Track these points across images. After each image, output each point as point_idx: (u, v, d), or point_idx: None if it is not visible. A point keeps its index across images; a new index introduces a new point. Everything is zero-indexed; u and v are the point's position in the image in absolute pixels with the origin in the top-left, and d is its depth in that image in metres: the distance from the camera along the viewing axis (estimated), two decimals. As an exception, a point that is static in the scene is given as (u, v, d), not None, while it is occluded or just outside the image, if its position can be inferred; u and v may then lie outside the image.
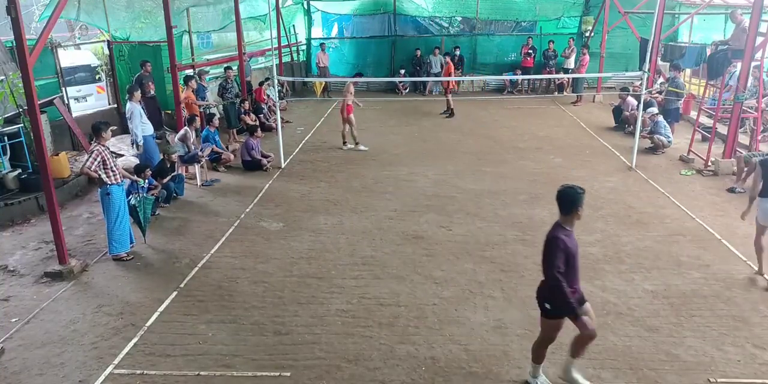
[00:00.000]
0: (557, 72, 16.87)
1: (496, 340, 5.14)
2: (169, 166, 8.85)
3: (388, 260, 6.72)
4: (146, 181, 7.88)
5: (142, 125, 9.20)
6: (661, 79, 13.97)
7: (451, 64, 14.91)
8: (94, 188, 8.48)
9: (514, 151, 11.37)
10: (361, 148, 11.62)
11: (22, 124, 8.92)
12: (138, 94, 9.35)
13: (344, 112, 11.47)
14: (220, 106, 12.75)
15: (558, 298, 4.11)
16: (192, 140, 9.88)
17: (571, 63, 16.75)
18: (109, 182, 6.59)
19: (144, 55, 12.43)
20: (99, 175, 6.52)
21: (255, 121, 12.65)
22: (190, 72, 12.48)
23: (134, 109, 9.13)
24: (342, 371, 4.74)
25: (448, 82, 15.08)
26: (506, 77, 17.62)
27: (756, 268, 6.31)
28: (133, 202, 7.16)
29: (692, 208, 8.19)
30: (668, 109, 11.96)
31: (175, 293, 6.03)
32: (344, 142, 11.81)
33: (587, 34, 17.95)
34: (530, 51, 17.54)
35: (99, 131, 6.63)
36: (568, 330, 5.25)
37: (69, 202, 8.86)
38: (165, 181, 8.57)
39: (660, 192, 8.89)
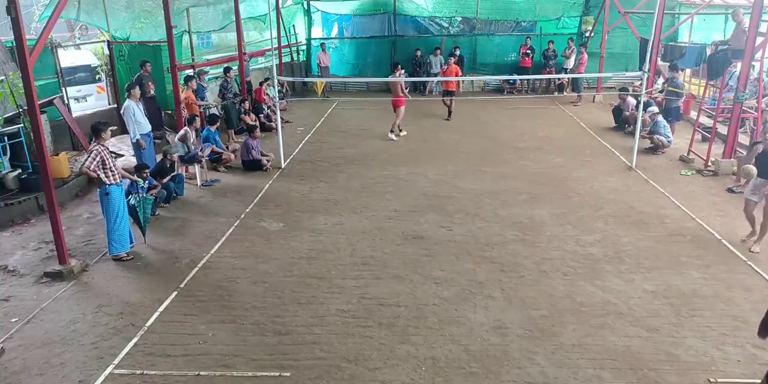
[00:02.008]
0: (557, 72, 16.88)
1: (496, 340, 5.14)
2: (168, 166, 8.85)
3: (388, 260, 6.72)
4: (146, 181, 7.88)
5: (135, 124, 9.21)
6: (661, 79, 13.97)
7: (455, 66, 14.34)
8: (94, 188, 8.48)
9: (514, 151, 11.38)
10: (392, 137, 12.41)
11: (22, 124, 8.92)
12: (136, 91, 9.34)
13: (397, 103, 12.41)
14: (220, 107, 12.75)
15: None
16: (192, 140, 9.88)
17: (570, 63, 16.76)
18: (108, 182, 6.59)
19: (144, 55, 12.43)
20: (98, 174, 6.52)
21: (255, 121, 12.65)
22: (190, 72, 12.49)
23: (129, 106, 9.17)
24: (342, 371, 4.74)
25: (453, 84, 14.63)
26: (504, 77, 17.62)
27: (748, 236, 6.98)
28: (132, 202, 7.15)
29: (692, 208, 8.19)
30: (668, 108, 12.01)
31: (175, 293, 6.03)
32: (400, 130, 12.67)
33: (587, 34, 17.95)
34: (528, 51, 17.54)
35: (98, 131, 6.64)
36: (567, 330, 5.26)
37: (69, 202, 8.86)
38: (165, 181, 8.58)
39: (660, 192, 8.89)
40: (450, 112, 14.48)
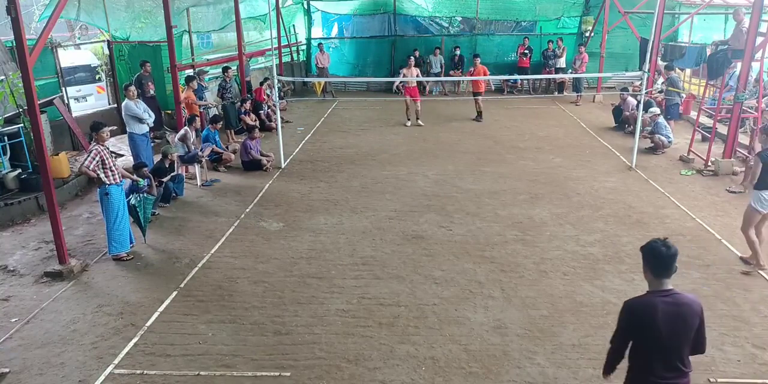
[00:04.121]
0: (556, 72, 16.90)
1: (496, 340, 5.14)
2: (168, 166, 8.85)
3: (388, 260, 6.72)
4: (146, 180, 7.87)
5: (133, 123, 9.24)
6: (661, 79, 13.98)
7: (482, 66, 13.94)
8: (94, 188, 8.48)
9: (514, 151, 11.37)
10: (420, 123, 13.64)
11: (22, 124, 8.92)
12: (132, 90, 9.35)
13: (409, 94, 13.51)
14: (219, 107, 12.76)
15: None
16: (192, 140, 9.88)
17: (562, 62, 16.80)
18: (107, 182, 6.58)
19: (144, 55, 12.44)
20: (97, 174, 6.51)
21: (255, 121, 12.65)
22: (190, 72, 12.49)
23: (126, 104, 9.26)
24: (342, 371, 4.74)
25: (482, 85, 14.25)
26: (504, 78, 17.63)
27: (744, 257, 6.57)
28: (133, 201, 7.16)
29: (692, 208, 8.19)
30: (667, 105, 12.07)
31: (175, 293, 6.03)
32: (408, 119, 13.76)
33: (587, 34, 17.96)
34: (526, 51, 17.55)
35: (97, 131, 6.63)
36: (567, 330, 5.26)
37: (69, 202, 8.86)
38: (164, 180, 8.57)
39: (660, 192, 8.89)
40: (480, 113, 14.15)
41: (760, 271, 6.26)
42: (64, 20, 14.38)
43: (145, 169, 8.06)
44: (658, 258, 3.11)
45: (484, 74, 14.00)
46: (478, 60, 14.08)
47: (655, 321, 3.07)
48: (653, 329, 3.09)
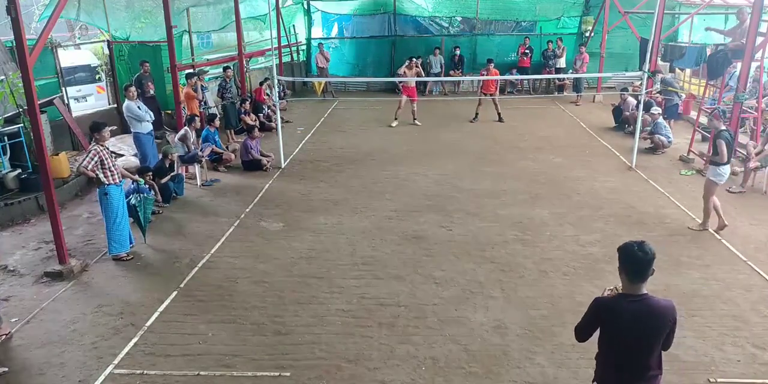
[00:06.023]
0: (557, 72, 16.90)
1: (496, 340, 5.14)
2: (168, 165, 8.85)
3: (388, 260, 6.72)
4: (150, 187, 7.88)
5: (136, 123, 9.28)
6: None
7: (494, 69, 13.99)
8: (94, 188, 8.47)
9: (515, 151, 11.37)
10: (417, 122, 13.75)
11: (22, 124, 8.91)
12: (132, 90, 9.35)
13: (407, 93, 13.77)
14: (219, 106, 12.75)
15: None
16: (192, 140, 9.88)
17: (562, 62, 16.80)
18: (106, 182, 6.57)
19: (144, 55, 12.44)
20: (96, 174, 6.51)
21: (255, 121, 12.65)
22: (190, 72, 12.48)
23: (127, 105, 9.28)
24: (342, 371, 4.74)
25: (494, 86, 14.21)
26: (505, 78, 17.63)
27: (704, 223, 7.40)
28: (133, 201, 7.16)
29: (692, 208, 8.18)
30: (666, 106, 12.10)
31: (175, 293, 6.03)
32: (395, 119, 13.81)
33: (587, 34, 17.96)
34: (527, 51, 17.55)
35: (97, 131, 6.63)
36: (567, 330, 5.26)
37: (69, 202, 8.86)
38: (164, 180, 8.58)
39: (660, 192, 8.89)
40: (499, 114, 14.05)
41: (710, 230, 7.31)
42: (64, 20, 14.36)
43: (149, 176, 8.06)
44: (634, 263, 3.05)
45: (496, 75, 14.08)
46: (492, 65, 13.90)
47: (618, 324, 3.11)
48: (617, 332, 3.15)
